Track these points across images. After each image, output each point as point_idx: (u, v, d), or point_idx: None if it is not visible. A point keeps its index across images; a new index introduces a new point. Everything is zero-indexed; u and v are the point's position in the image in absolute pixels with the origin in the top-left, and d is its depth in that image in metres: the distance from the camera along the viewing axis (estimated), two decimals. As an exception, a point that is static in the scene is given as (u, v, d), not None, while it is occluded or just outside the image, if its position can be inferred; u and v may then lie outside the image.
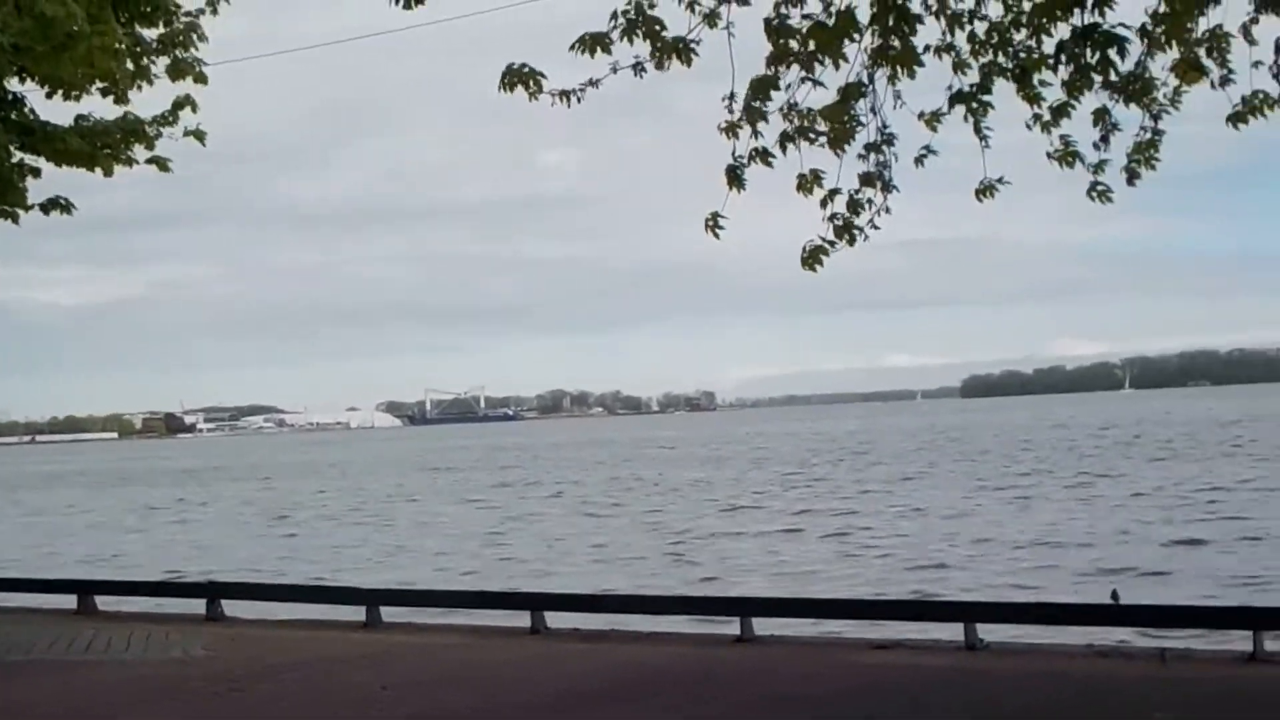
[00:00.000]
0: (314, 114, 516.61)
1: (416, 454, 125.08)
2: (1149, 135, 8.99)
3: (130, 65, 13.63)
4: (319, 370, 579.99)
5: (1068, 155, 8.74)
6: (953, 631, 14.63)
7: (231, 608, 19.18)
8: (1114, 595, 14.70)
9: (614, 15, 8.32)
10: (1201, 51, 8.40)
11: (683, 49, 8.44)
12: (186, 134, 14.58)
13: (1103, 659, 13.36)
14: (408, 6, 7.87)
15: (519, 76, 8.45)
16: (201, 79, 13.92)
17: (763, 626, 15.62)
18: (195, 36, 13.92)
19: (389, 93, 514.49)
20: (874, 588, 24.19)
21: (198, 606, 19.09)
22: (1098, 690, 11.83)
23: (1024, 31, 8.30)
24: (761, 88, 8.83)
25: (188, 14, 13.49)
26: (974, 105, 8.61)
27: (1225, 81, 8.64)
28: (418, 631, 17.26)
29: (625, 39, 8.34)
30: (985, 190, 8.99)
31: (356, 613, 18.01)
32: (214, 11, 13.56)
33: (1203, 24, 8.34)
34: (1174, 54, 8.37)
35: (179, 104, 14.50)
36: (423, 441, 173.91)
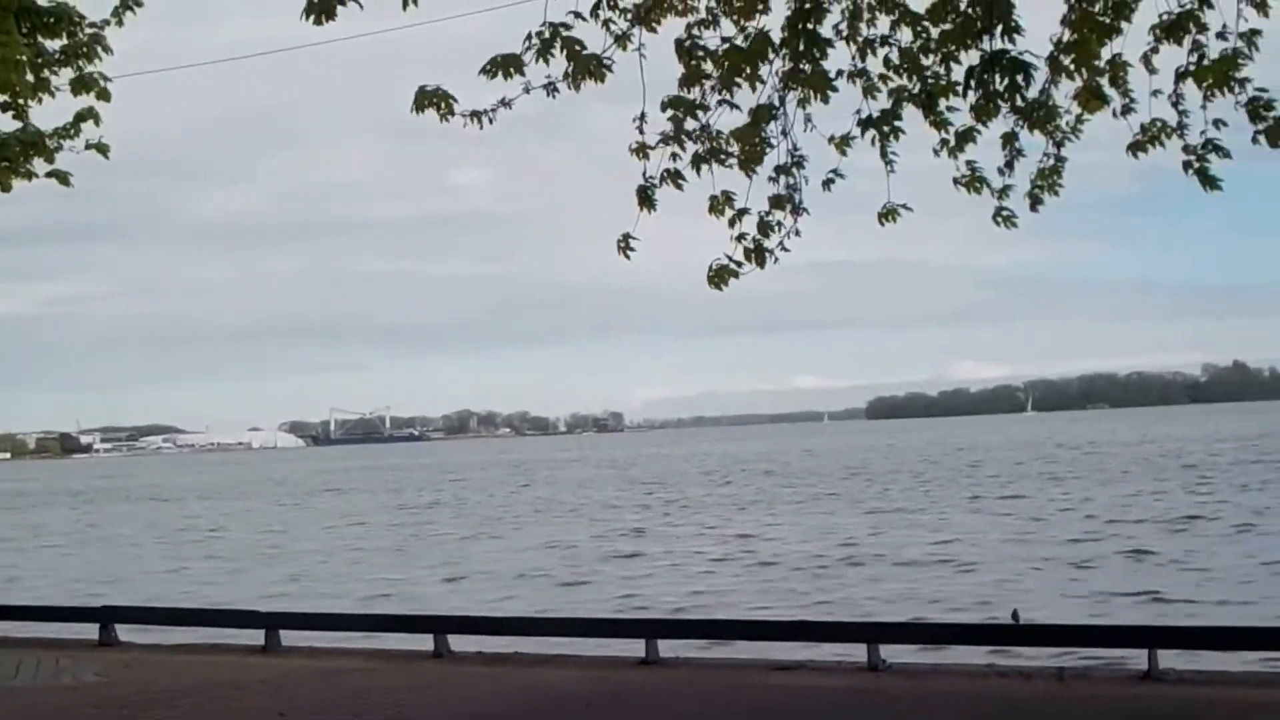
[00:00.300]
0: (221, 128, 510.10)
1: (318, 475, 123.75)
2: (1052, 162, 9.15)
3: (31, 77, 13.34)
4: (221, 389, 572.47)
5: (974, 181, 8.85)
6: (855, 652, 14.72)
7: (125, 632, 18.81)
8: (1014, 615, 14.87)
9: (528, 36, 8.30)
10: (1104, 80, 8.56)
11: (596, 68, 8.43)
12: (89, 147, 14.31)
13: (1002, 679, 13.50)
14: (319, 22, 7.76)
15: (431, 98, 8.40)
16: (104, 95, 13.68)
17: (668, 648, 15.61)
18: (100, 48, 13.67)
19: (299, 108, 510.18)
20: (777, 609, 24.28)
21: (90, 631, 18.69)
22: (997, 710, 11.95)
23: (934, 58, 8.39)
24: (679, 106, 8.83)
25: (92, 25, 13.24)
26: (885, 129, 8.68)
27: (1126, 110, 8.81)
28: (317, 655, 17.00)
29: (539, 60, 8.31)
30: (888, 214, 9.08)
31: (254, 636, 17.74)
32: (119, 23, 13.33)
33: (1105, 53, 8.50)
34: (1077, 82, 8.52)
35: (81, 116, 14.23)
36: (325, 462, 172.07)
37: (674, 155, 8.94)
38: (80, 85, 13.85)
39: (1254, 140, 7.95)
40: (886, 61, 8.64)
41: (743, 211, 9.05)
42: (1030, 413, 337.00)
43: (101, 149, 14.27)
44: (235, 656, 17.05)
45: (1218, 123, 8.40)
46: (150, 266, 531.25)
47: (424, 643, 16.67)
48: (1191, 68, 8.38)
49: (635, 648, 15.64)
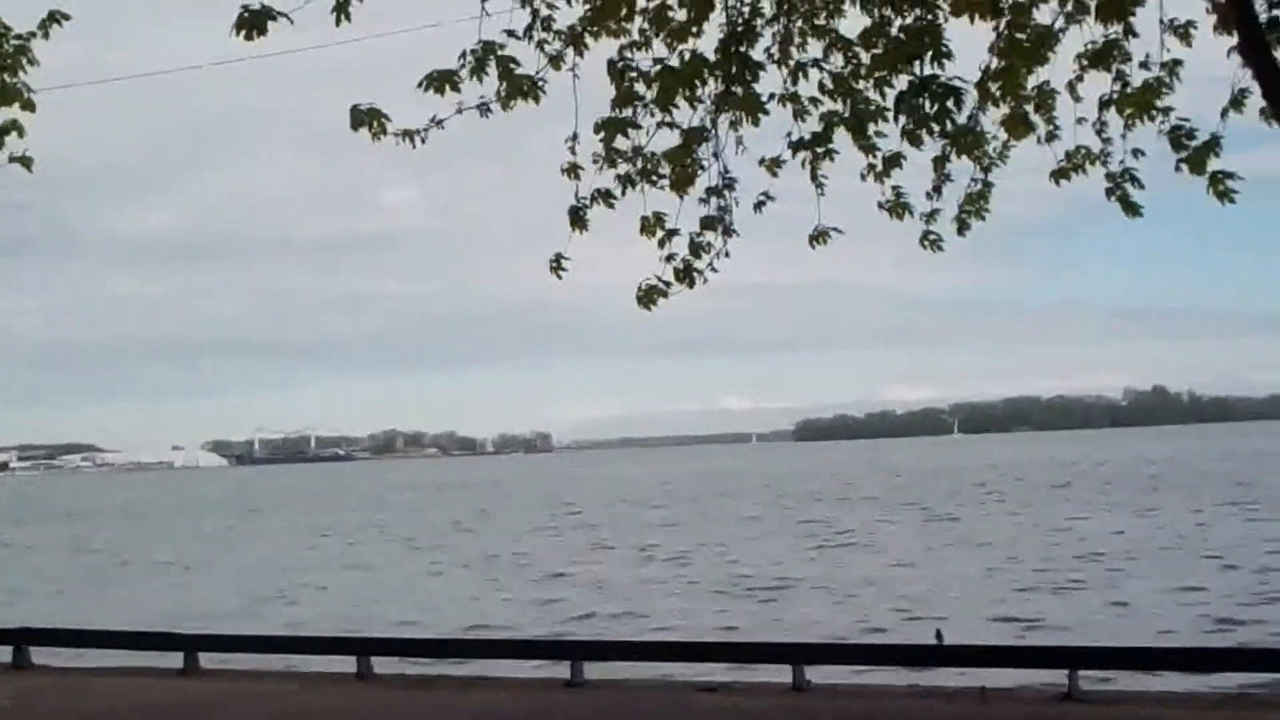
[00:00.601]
0: (148, 144, 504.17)
1: (240, 495, 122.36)
2: (979, 187, 9.25)
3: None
4: (143, 408, 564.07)
5: (898, 206, 8.93)
6: (780, 673, 14.76)
7: (41, 655, 18.47)
8: (938, 635, 14.97)
9: (463, 54, 8.29)
10: (1029, 107, 8.68)
11: (530, 88, 8.42)
12: (11, 160, 14.09)
13: (925, 699, 13.61)
14: (249, 37, 7.69)
15: (365, 117, 8.36)
16: (29, 105, 13.48)
17: (594, 670, 15.57)
18: (25, 60, 13.48)
19: (226, 125, 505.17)
20: (702, 630, 24.28)
21: (3, 654, 18.33)
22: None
23: (865, 82, 8.45)
24: (611, 127, 8.85)
25: (18, 37, 13.04)
26: (817, 152, 8.74)
27: (1051, 137, 8.94)
28: (238, 678, 16.79)
29: (474, 78, 8.31)
30: (819, 237, 9.13)
31: (174, 659, 17.48)
32: (45, 36, 13.14)
33: (1032, 81, 8.61)
34: (1004, 109, 8.63)
35: (4, 129, 14.02)
36: (249, 482, 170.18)
37: (616, 177, 8.95)
38: (3, 97, 13.65)
39: (1176, 168, 8.08)
40: (821, 86, 8.70)
41: (673, 232, 9.07)
42: (957, 435, 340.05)
43: (25, 162, 14.04)
44: (153, 680, 16.80)
45: (1136, 152, 8.56)
46: (72, 283, 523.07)
47: (347, 664, 16.51)
48: (1115, 96, 8.53)
49: (561, 670, 15.59)
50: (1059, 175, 8.90)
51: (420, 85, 8.29)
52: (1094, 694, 13.46)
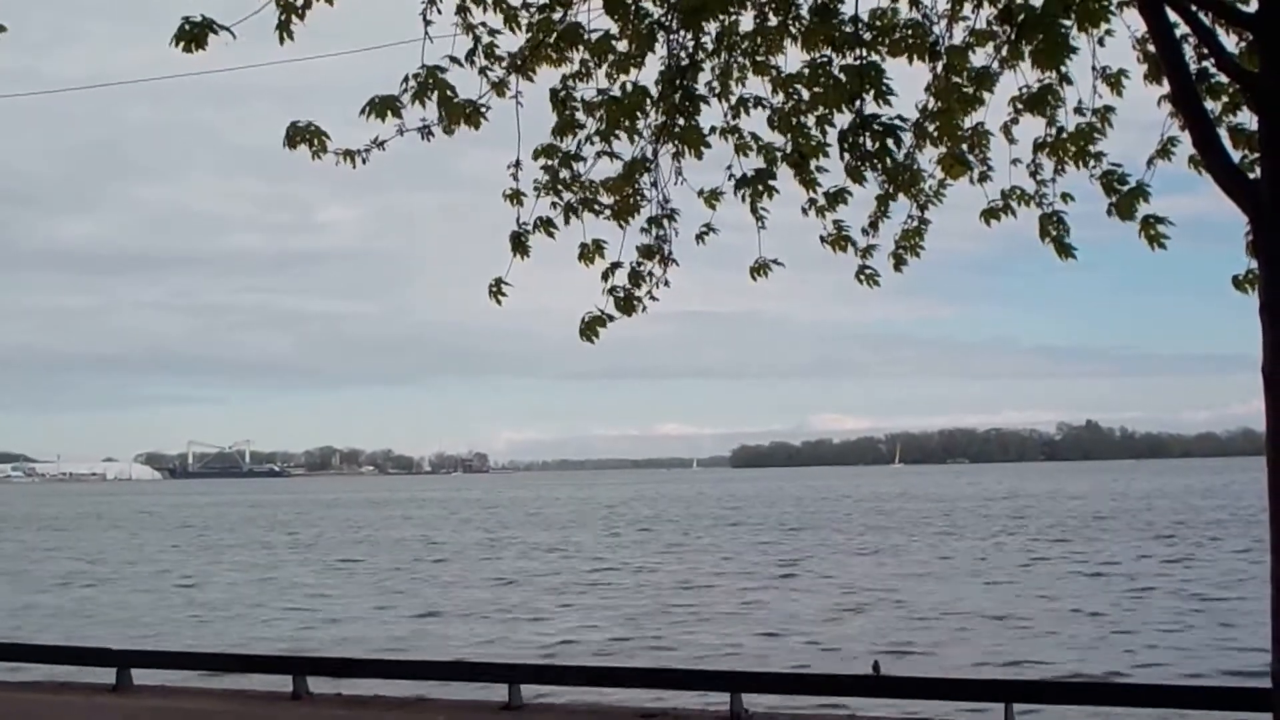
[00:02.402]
0: (79, 156, 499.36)
1: (171, 510, 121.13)
2: (915, 224, 9.42)
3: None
4: (75, 419, 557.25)
5: (839, 240, 9.06)
6: (719, 700, 14.84)
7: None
8: (875, 667, 15.12)
9: (405, 79, 8.34)
10: (965, 147, 8.85)
11: (472, 113, 8.50)
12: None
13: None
14: (188, 49, 7.68)
15: (303, 134, 8.39)
16: (-34, 115, 13.35)
17: (531, 694, 15.60)
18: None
19: (160, 139, 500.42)
20: (642, 656, 24.32)
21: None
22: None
23: (807, 118, 8.58)
24: (551, 155, 8.94)
25: (-53, 46, 12.96)
26: (759, 188, 8.85)
27: (984, 177, 9.12)
28: (172, 695, 16.68)
29: (415, 102, 8.35)
30: (759, 269, 9.26)
31: (106, 675, 17.33)
32: (-19, 46, 13.06)
33: (968, 122, 8.79)
34: (941, 149, 8.79)
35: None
36: (182, 497, 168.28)
37: (553, 204, 9.04)
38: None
39: (1108, 213, 8.27)
40: (770, 121, 8.82)
41: (616, 265, 9.16)
42: (898, 465, 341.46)
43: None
44: (84, 695, 16.65)
45: (1065, 196, 8.75)
46: (2, 292, 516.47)
47: (283, 684, 16.45)
48: (1049, 140, 8.72)
49: (498, 693, 15.59)
50: (990, 215, 9.08)
51: (362, 112, 8.33)
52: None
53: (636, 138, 8.82)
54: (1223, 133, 8.02)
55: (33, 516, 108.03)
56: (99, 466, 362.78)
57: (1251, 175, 7.29)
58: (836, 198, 8.81)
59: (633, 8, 8.40)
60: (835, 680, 16.66)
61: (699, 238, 9.16)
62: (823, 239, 9.01)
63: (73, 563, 53.17)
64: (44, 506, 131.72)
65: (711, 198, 9.11)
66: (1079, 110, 8.68)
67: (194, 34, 7.64)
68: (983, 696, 14.70)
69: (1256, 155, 7.38)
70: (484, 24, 8.68)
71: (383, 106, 8.31)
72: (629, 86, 8.59)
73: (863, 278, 9.21)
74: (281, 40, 8.02)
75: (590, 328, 9.02)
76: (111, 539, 72.46)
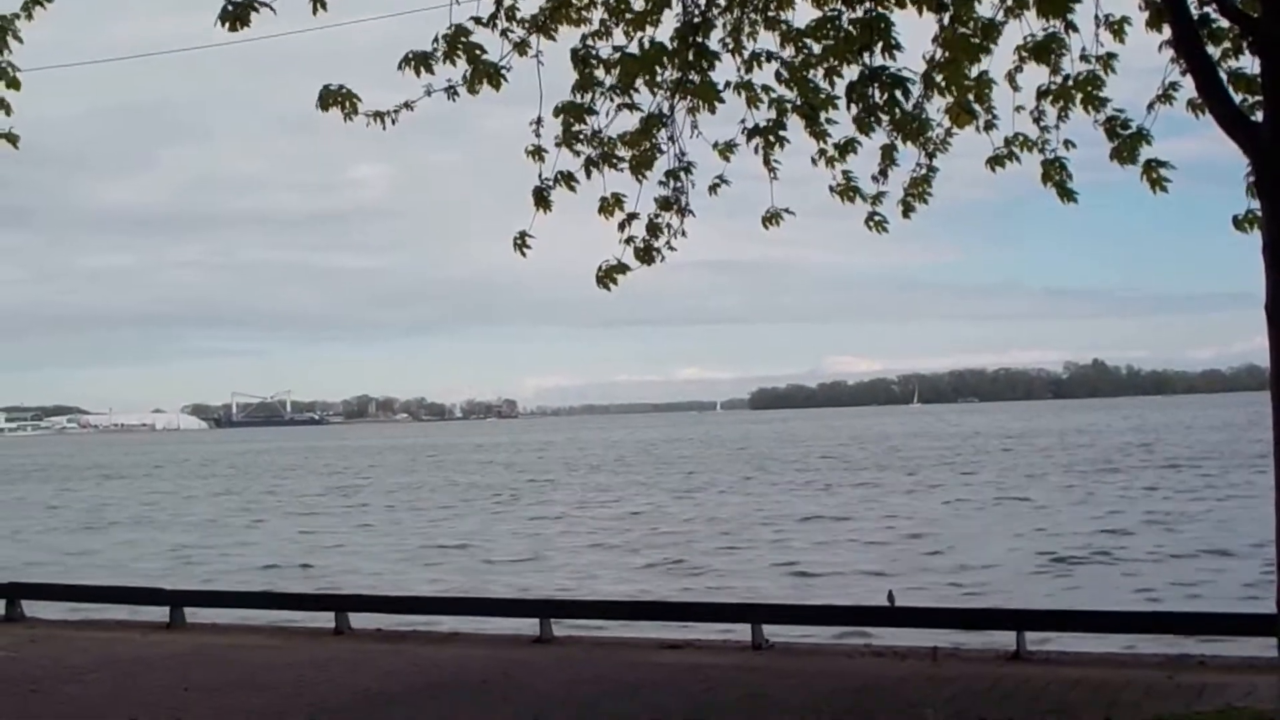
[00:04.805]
0: (125, 121, 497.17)
1: (222, 455, 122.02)
2: (924, 171, 9.34)
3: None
4: (124, 373, 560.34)
5: (848, 190, 8.99)
6: (740, 632, 14.89)
7: (32, 608, 18.45)
8: (890, 597, 15.12)
9: (436, 39, 8.36)
10: (971, 96, 8.76)
11: (494, 74, 8.47)
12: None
13: (879, 657, 13.74)
14: (234, 28, 7.71)
15: (335, 97, 8.40)
16: (14, 84, 13.38)
17: (561, 628, 15.68)
18: (10, 37, 13.36)
19: (205, 104, 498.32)
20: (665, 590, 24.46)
21: (-4, 608, 18.31)
22: (873, 687, 12.13)
23: (817, 71, 8.51)
24: (571, 111, 8.91)
25: (1, 17, 12.92)
26: (770, 139, 8.79)
27: (989, 126, 9.02)
28: (222, 633, 16.83)
29: (447, 61, 8.38)
30: (771, 218, 9.20)
31: (160, 614, 17.50)
32: (29, 16, 13.03)
33: (974, 71, 8.69)
34: (948, 98, 8.71)
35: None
36: (230, 445, 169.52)
37: (577, 154, 9.02)
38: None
39: (1111, 158, 8.18)
40: (777, 75, 8.76)
41: (632, 216, 9.13)
42: (916, 405, 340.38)
43: (11, 139, 13.94)
44: (140, 633, 16.81)
45: (1068, 143, 8.66)
46: (55, 253, 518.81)
47: (326, 620, 16.57)
48: (1053, 87, 8.62)
49: (530, 627, 15.68)
50: (995, 162, 9.00)
51: (400, 66, 8.37)
52: (1040, 654, 13.62)
53: (655, 91, 8.78)
54: (1224, 77, 7.90)
55: (109, 466, 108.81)
56: (148, 417, 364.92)
57: (1253, 118, 7.19)
58: (845, 148, 8.75)
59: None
60: (854, 611, 16.64)
61: (712, 189, 9.13)
62: (832, 189, 8.96)
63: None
64: (115, 457, 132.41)
65: (726, 150, 9.06)
66: (1083, 58, 8.58)
67: (237, 14, 7.71)
68: (997, 625, 14.69)
69: (1258, 99, 7.28)
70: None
71: (418, 62, 8.34)
72: (646, 43, 8.54)
73: (872, 224, 9.16)
74: (315, 10, 8.04)
75: (608, 275, 9.01)
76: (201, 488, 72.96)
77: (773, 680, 12.61)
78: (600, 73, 8.81)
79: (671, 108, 8.90)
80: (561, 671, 13.40)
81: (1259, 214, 7.02)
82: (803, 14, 8.58)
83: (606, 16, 8.69)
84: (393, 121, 8.67)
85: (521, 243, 8.97)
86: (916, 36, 8.29)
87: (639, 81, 8.70)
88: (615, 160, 9.03)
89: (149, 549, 36.78)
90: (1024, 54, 8.58)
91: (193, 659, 14.61)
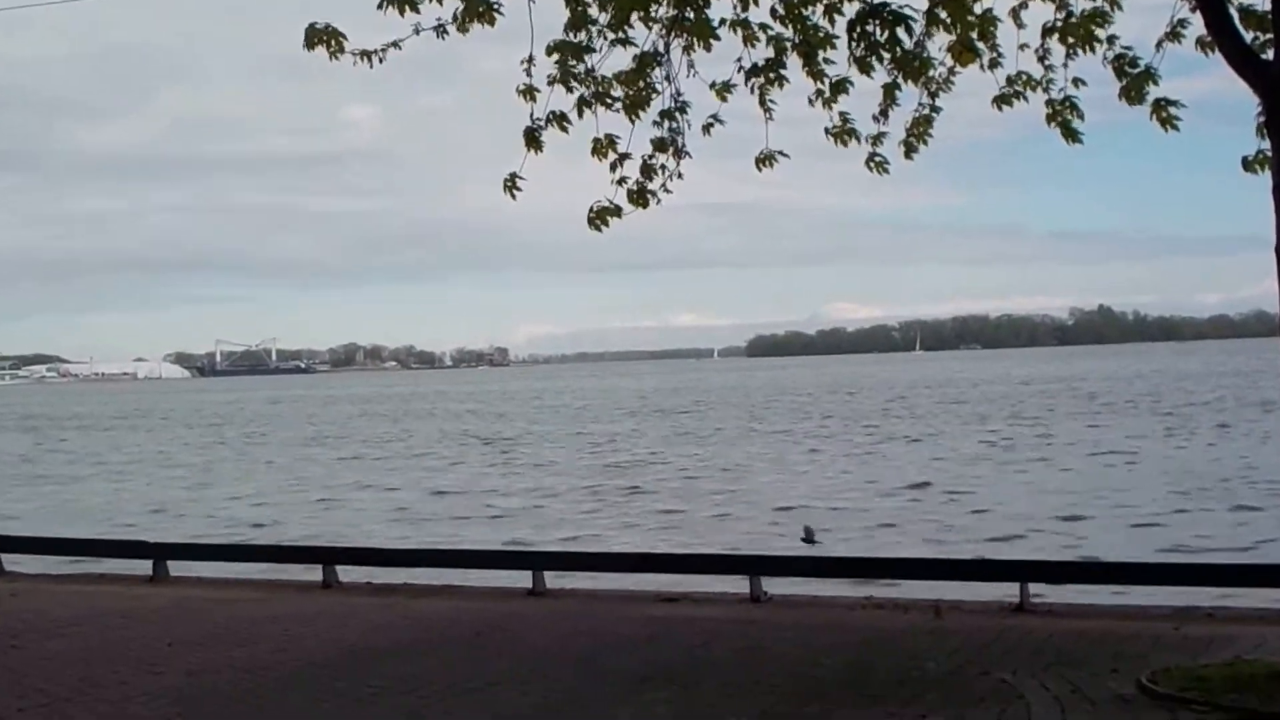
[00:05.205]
0: (110, 62, 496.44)
1: (210, 405, 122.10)
2: (926, 112, 9.31)
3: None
4: (105, 320, 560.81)
5: (844, 132, 8.96)
6: (739, 584, 14.98)
7: (12, 562, 18.53)
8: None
9: None
10: (975, 34, 8.72)
11: (485, 11, 8.42)
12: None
13: (880, 610, 13.82)
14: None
15: (321, 36, 8.36)
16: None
17: (554, 580, 15.77)
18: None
19: (190, 45, 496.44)
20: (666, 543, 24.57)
21: (-25, 561, 18.39)
22: (874, 640, 12.18)
23: (815, 9, 8.47)
24: (564, 50, 8.86)
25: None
26: (769, 78, 8.75)
27: (994, 64, 8.99)
28: (206, 586, 16.90)
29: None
30: (765, 160, 9.17)
31: (143, 567, 17.58)
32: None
33: (977, 8, 8.65)
34: (951, 36, 8.67)
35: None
36: (215, 394, 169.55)
37: (571, 89, 8.96)
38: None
39: (1120, 96, 8.16)
40: (772, 11, 8.72)
41: (624, 156, 9.10)
42: (919, 352, 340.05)
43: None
44: (123, 587, 16.90)
45: (1077, 81, 8.61)
46: (35, 197, 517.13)
47: (313, 574, 16.65)
48: (1059, 24, 8.58)
49: (524, 579, 15.76)
50: (1001, 101, 8.97)
51: (380, 5, 8.30)
52: (1044, 606, 13.71)
53: (650, 27, 8.73)
54: (1234, 14, 7.88)
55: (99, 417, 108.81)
56: (129, 366, 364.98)
57: (1264, 56, 7.18)
58: (838, 88, 8.72)
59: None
60: (853, 563, 16.72)
61: (706, 129, 9.10)
62: (828, 131, 8.93)
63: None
64: (103, 405, 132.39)
65: (723, 90, 9.03)
66: (1090, -7, 8.55)
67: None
68: (1001, 577, 14.78)
69: (1268, 36, 7.27)
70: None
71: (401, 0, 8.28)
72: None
73: (873, 165, 9.14)
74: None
75: (600, 217, 8.99)
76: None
77: (771, 633, 12.68)
78: (594, 10, 8.76)
79: (667, 45, 8.86)
80: (556, 624, 13.47)
81: (1269, 154, 7.02)
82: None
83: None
84: (380, 60, 8.63)
85: (512, 185, 8.96)
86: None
87: (634, 18, 8.65)
88: (609, 100, 9.00)
89: (130, 502, 36.88)
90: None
91: (176, 613, 14.69)
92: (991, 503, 29.33)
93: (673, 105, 9.14)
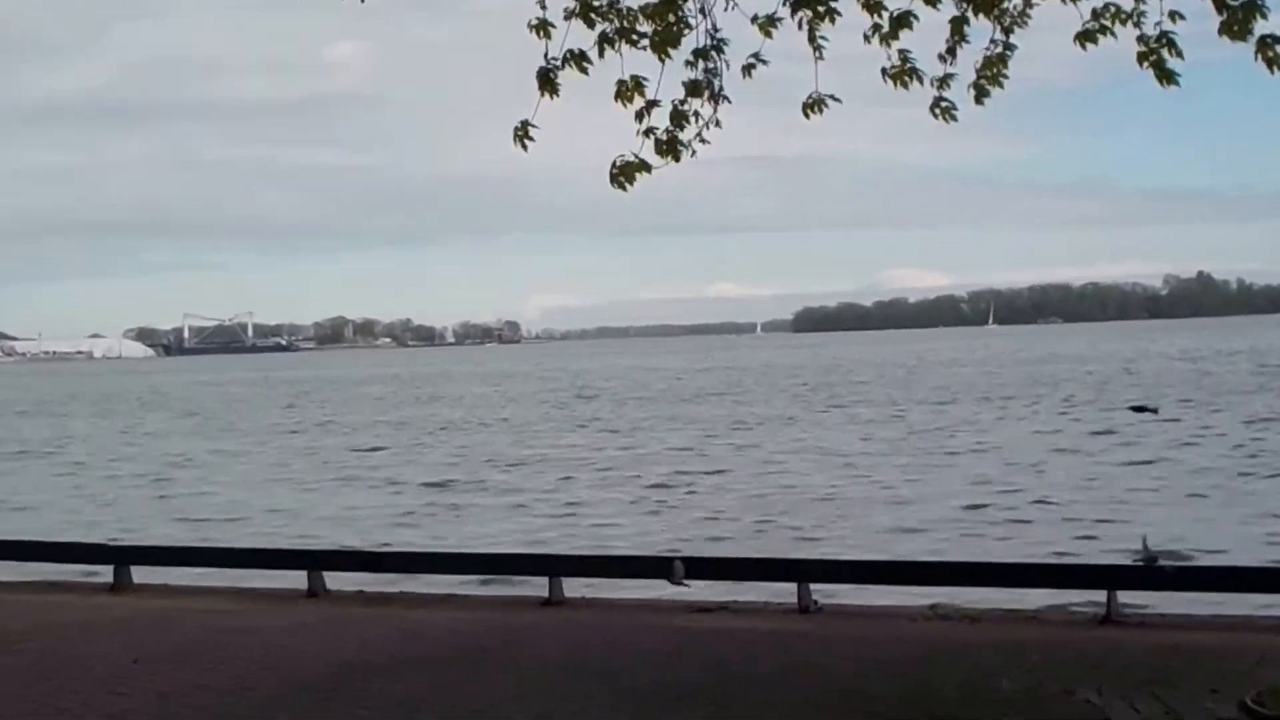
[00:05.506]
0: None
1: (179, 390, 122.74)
2: (999, 49, 9.27)
3: None
4: (57, 291, 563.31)
5: (904, 73, 8.92)
6: (784, 592, 14.99)
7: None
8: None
9: None
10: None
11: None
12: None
13: (947, 622, 13.83)
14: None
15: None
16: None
17: (574, 587, 15.81)
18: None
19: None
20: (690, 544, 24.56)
21: (-82, 566, 18.57)
22: (939, 655, 12.20)
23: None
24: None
25: None
26: (817, 10, 8.73)
27: (1076, -8, 8.93)
28: (175, 595, 17.02)
29: None
30: (814, 105, 9.12)
31: (104, 573, 17.71)
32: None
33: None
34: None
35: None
36: (184, 375, 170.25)
37: (591, 23, 8.92)
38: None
39: (1220, 32, 8.11)
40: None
41: (653, 103, 9.08)
42: (992, 326, 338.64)
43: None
44: (82, 595, 17.05)
45: (1174, 14, 8.54)
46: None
47: (298, 580, 16.75)
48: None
49: (537, 587, 15.81)
50: (1084, 38, 8.89)
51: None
52: (1135, 616, 13.68)
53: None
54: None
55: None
56: (85, 344, 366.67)
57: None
58: (900, 22, 8.69)
59: None
60: (919, 568, 16.71)
61: (746, 70, 9.03)
62: (885, 72, 8.89)
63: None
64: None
65: (767, 24, 8.99)
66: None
67: None
68: (1086, 583, 14.79)
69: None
70: None
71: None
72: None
73: (938, 112, 9.11)
74: None
75: (624, 173, 8.96)
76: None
77: (821, 647, 12.69)
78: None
79: (702, -28, 8.84)
80: (574, 638, 13.52)
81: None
82: None
83: None
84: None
85: (524, 134, 8.95)
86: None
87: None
88: (635, 37, 8.97)
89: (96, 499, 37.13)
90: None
91: (142, 625, 14.81)
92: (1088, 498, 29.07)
93: (708, 43, 9.11)
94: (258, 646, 13.55)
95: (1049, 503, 28.39)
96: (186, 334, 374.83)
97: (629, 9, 8.98)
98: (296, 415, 76.23)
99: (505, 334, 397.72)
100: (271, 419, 72.99)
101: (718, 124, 9.28)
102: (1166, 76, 8.49)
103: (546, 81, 8.97)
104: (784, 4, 8.75)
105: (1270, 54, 7.90)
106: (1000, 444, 42.15)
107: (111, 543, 21.11)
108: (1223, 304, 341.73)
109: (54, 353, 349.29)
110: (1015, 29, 9.20)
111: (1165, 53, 8.49)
